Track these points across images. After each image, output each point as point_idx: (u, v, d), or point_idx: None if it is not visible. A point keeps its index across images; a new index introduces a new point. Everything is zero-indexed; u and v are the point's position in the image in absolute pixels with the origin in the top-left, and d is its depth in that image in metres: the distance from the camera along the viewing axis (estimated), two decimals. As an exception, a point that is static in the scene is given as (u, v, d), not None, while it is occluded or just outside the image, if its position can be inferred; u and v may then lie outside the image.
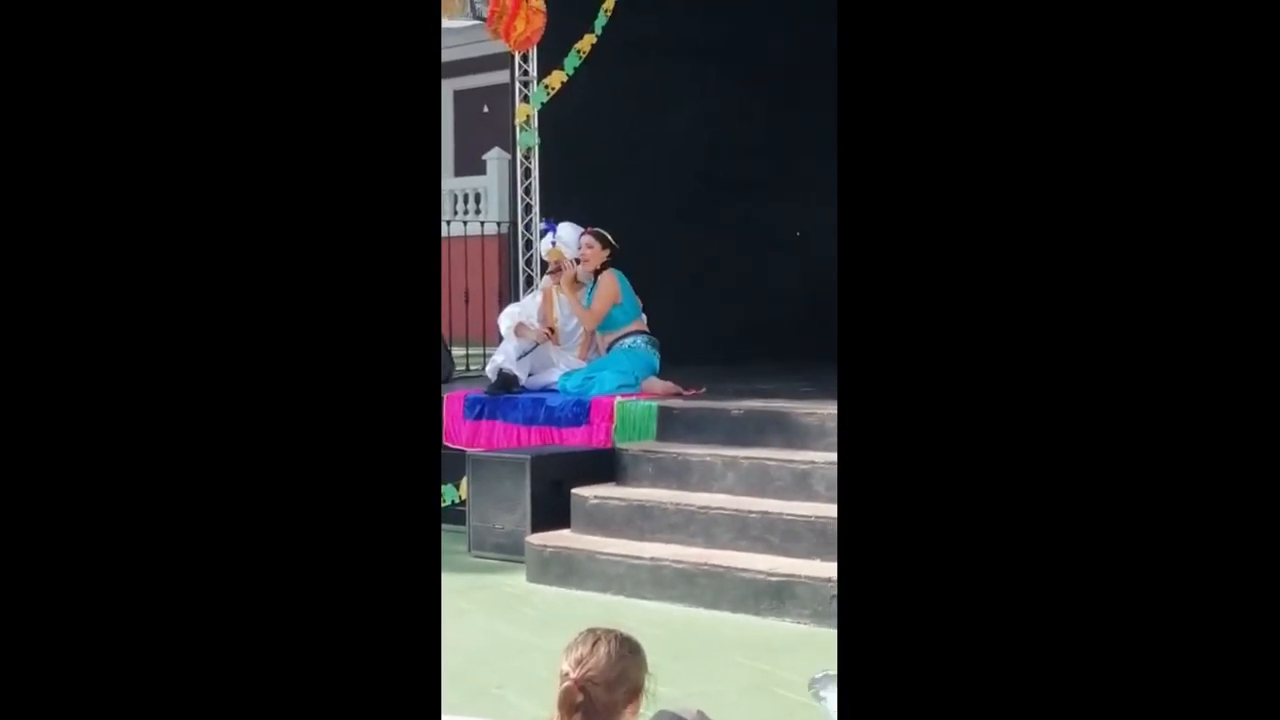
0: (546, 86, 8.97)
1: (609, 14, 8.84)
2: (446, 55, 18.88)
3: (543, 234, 8.73)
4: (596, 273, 8.09)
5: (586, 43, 8.91)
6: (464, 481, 7.36)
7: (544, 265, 8.57)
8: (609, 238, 8.12)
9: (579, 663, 2.59)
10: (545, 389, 8.00)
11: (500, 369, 8.07)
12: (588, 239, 8.13)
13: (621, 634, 2.66)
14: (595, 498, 6.64)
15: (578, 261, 8.19)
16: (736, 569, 5.88)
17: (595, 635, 2.63)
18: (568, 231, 8.39)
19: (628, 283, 8.08)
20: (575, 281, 8.19)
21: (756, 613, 5.74)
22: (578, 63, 8.91)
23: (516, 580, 6.51)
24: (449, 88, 19.82)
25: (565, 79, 8.96)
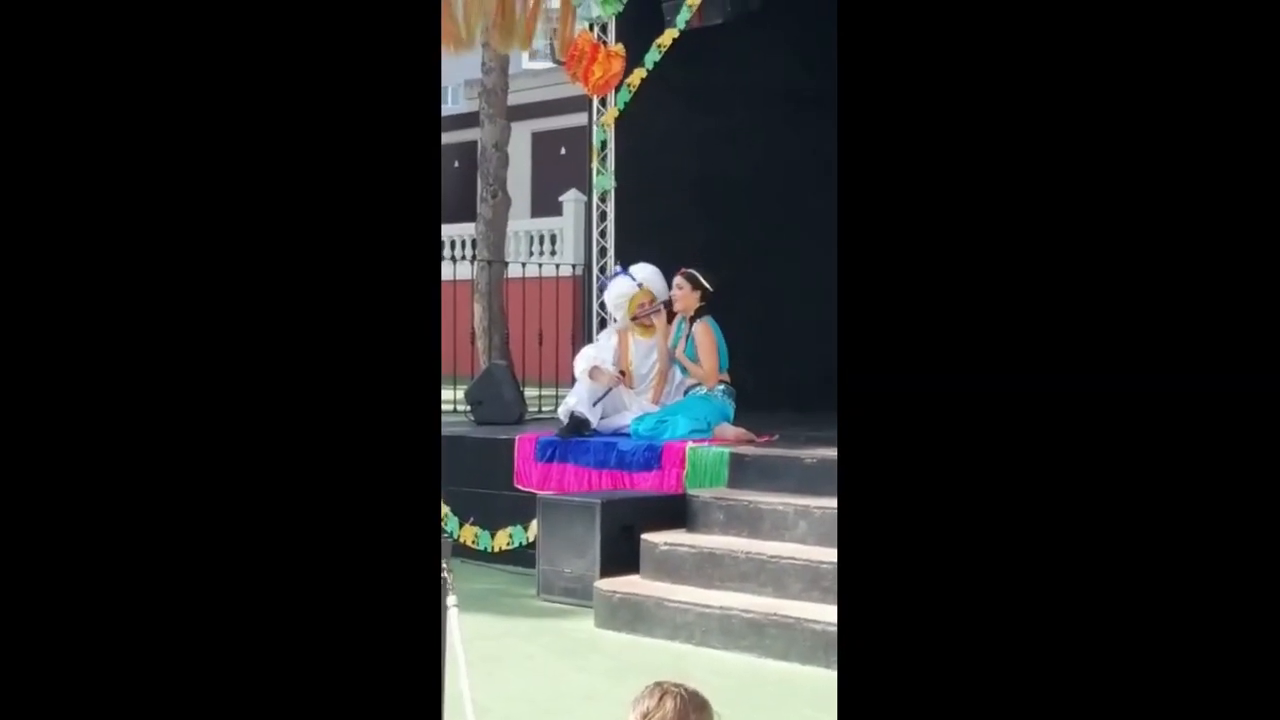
0: (603, 125, 9.31)
1: (662, 50, 9.17)
2: (526, 97, 19.10)
3: (606, 281, 8.66)
4: (691, 320, 7.99)
5: (636, 77, 9.24)
6: (533, 524, 7.34)
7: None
8: (699, 278, 8.01)
9: (645, 717, 2.55)
10: (617, 432, 7.97)
11: (572, 412, 8.05)
12: (679, 279, 8.04)
13: (689, 689, 2.61)
14: (665, 544, 6.59)
15: (668, 304, 8.12)
16: (807, 620, 5.80)
17: (662, 689, 2.59)
18: (648, 272, 8.33)
19: (721, 333, 7.99)
20: (662, 325, 8.16)
21: (827, 665, 5.63)
22: (628, 97, 9.27)
23: (584, 625, 6.47)
24: (528, 129, 20.02)
25: (618, 114, 9.29)
